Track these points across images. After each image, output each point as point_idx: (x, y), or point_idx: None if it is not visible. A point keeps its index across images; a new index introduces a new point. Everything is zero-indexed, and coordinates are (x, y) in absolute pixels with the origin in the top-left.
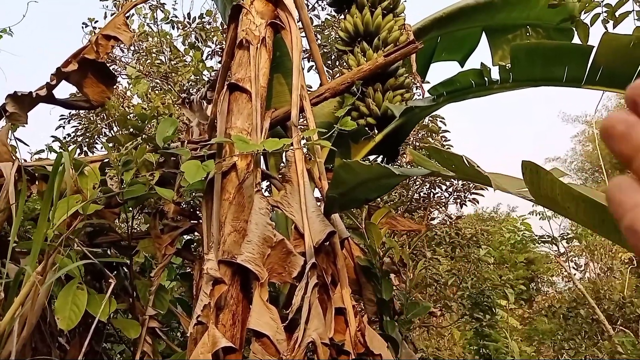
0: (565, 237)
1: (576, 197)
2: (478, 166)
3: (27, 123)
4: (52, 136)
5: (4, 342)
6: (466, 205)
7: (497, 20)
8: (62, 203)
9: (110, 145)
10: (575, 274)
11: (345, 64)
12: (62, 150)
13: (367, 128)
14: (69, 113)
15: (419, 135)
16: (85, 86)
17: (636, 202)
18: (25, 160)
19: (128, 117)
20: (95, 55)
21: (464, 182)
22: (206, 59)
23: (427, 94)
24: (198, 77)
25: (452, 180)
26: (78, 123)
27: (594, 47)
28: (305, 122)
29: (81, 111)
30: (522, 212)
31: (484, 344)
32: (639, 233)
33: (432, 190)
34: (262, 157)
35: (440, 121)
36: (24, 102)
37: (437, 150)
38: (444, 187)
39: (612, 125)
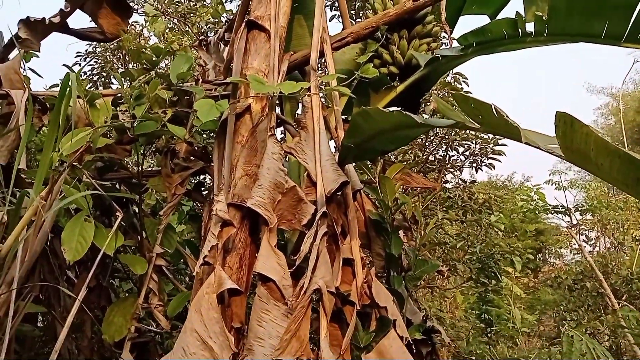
0: (580, 209)
1: (612, 152)
2: (507, 116)
3: (39, 51)
4: (64, 64)
5: (7, 268)
6: (482, 169)
7: None
8: (71, 132)
9: (123, 79)
10: (585, 247)
11: (370, 7)
12: (69, 71)
13: (389, 77)
14: (85, 50)
15: (440, 94)
16: (100, 17)
17: None
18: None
19: (142, 50)
20: None
21: (482, 146)
22: (225, 1)
23: (455, 44)
24: (216, 20)
25: (470, 143)
26: (94, 62)
27: None
28: (325, 67)
29: (97, 49)
30: (537, 182)
31: (486, 309)
32: None
33: (448, 152)
34: (277, 101)
35: (463, 81)
36: (37, 29)
37: (464, 97)
38: (460, 150)
39: None
